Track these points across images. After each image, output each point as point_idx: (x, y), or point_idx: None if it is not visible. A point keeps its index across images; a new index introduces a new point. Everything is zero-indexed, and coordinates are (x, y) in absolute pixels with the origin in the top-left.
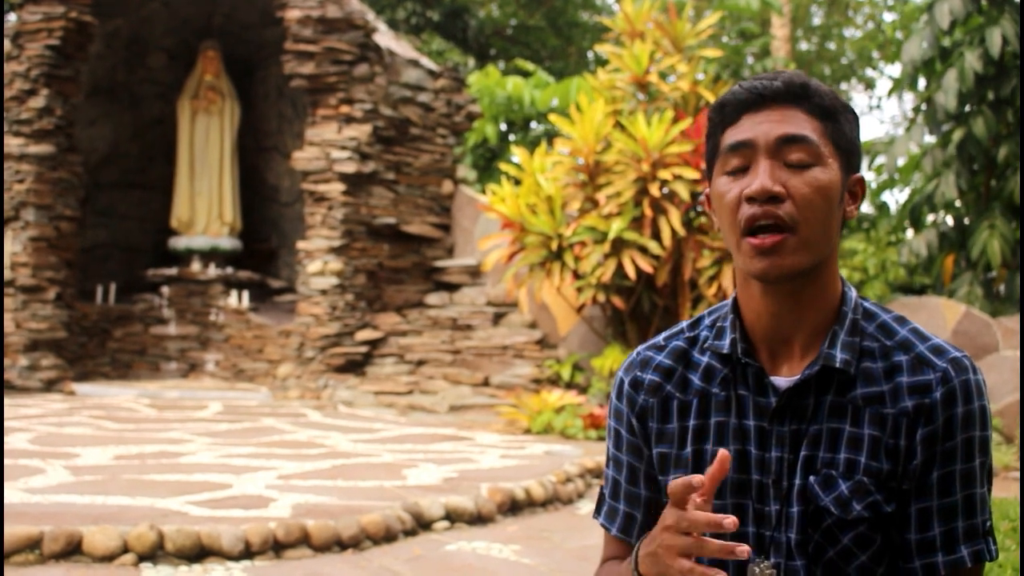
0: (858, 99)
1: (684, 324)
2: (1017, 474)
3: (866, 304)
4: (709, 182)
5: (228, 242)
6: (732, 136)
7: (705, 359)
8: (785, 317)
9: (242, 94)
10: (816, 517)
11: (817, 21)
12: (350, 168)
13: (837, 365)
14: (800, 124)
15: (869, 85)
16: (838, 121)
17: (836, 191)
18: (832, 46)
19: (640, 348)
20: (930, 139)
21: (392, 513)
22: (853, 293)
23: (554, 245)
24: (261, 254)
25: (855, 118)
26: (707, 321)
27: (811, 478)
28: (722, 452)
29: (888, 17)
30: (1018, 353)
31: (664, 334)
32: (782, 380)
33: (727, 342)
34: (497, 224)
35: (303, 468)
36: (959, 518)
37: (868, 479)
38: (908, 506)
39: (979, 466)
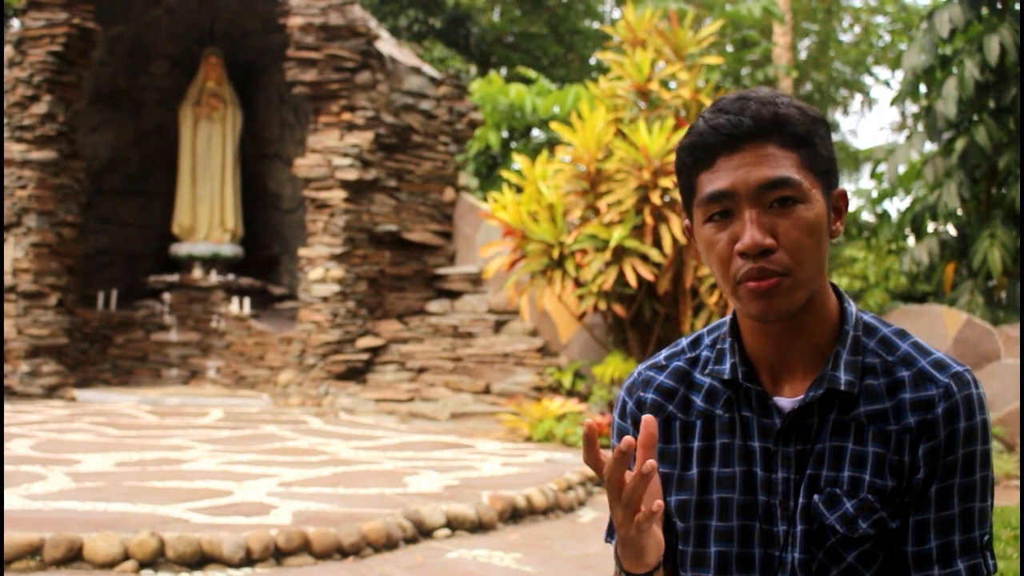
0: (854, 104)
1: (684, 343)
2: (1018, 482)
3: (865, 318)
4: (688, 216)
5: (230, 249)
6: (709, 184)
7: (707, 380)
8: (784, 343)
9: (244, 101)
10: (820, 536)
11: (807, 25)
12: (352, 175)
13: (842, 388)
14: (777, 163)
15: (863, 91)
16: (813, 144)
17: (823, 223)
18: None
19: (641, 367)
20: (930, 147)
21: (393, 520)
22: (852, 308)
23: (555, 253)
24: (263, 261)
25: (827, 130)
26: (707, 340)
27: (815, 497)
28: (648, 417)
29: (879, 21)
30: (1019, 361)
31: (664, 353)
32: (785, 401)
33: (727, 367)
34: (499, 232)
35: (304, 475)
36: (956, 531)
37: (873, 496)
38: (907, 518)
39: (979, 480)
